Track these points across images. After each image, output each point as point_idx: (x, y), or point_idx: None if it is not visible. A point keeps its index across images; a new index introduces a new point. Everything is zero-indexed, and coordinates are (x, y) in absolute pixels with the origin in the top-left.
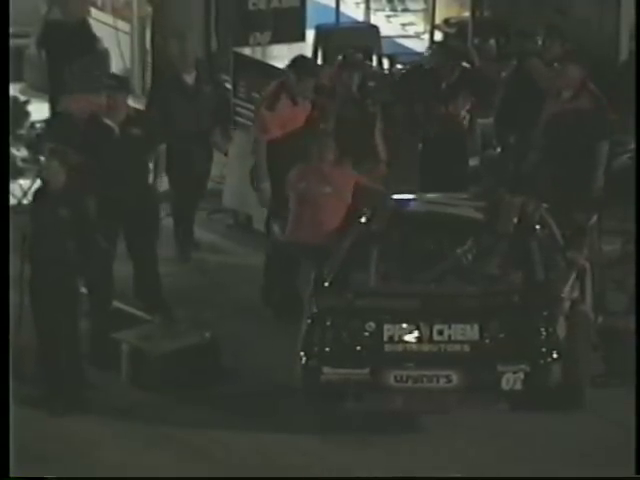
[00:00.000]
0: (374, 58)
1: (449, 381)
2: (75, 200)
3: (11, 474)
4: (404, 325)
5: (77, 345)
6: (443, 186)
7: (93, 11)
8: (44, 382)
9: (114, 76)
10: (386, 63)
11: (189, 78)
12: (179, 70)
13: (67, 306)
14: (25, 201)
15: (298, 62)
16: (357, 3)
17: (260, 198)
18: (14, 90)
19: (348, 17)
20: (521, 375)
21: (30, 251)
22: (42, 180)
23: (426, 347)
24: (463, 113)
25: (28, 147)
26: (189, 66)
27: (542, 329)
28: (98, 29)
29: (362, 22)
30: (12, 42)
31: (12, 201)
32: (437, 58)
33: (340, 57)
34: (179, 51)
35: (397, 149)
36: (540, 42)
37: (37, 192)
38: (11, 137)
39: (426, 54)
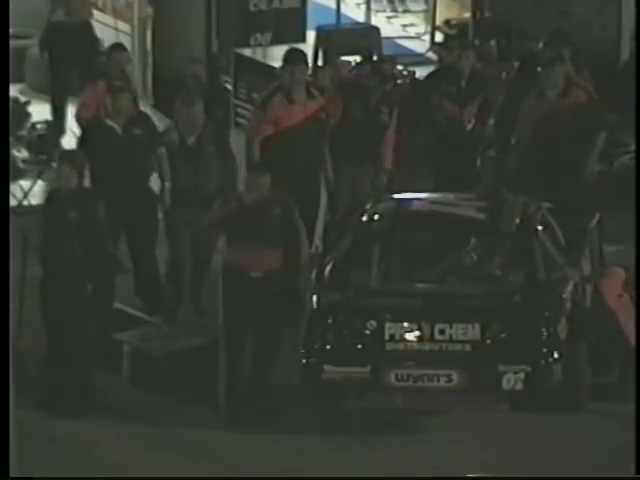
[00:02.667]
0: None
1: (450, 380)
2: (86, 204)
3: (11, 474)
4: (405, 324)
5: (87, 347)
6: (458, 186)
7: (94, 12)
8: (50, 384)
9: (116, 77)
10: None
11: (190, 140)
12: (182, 132)
13: (78, 308)
14: (25, 202)
15: (290, 55)
16: (358, 4)
17: None
18: (15, 91)
19: (349, 18)
20: (522, 375)
21: (42, 254)
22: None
23: (427, 346)
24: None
25: (29, 148)
26: (194, 130)
27: (543, 329)
28: (99, 30)
29: (363, 23)
30: (13, 43)
31: (13, 202)
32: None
33: (370, 64)
34: (186, 115)
35: (409, 150)
36: (542, 44)
37: (49, 195)
38: (12, 138)
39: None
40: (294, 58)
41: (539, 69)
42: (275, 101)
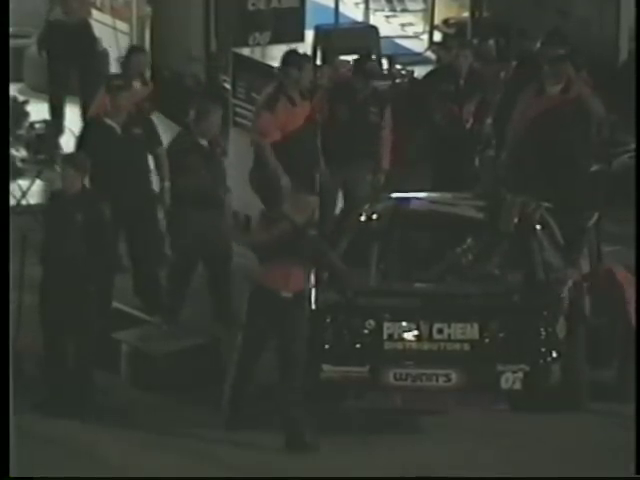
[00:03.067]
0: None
1: (448, 380)
2: (92, 206)
3: (11, 474)
4: (404, 323)
5: (87, 347)
6: (456, 185)
7: (93, 11)
8: (49, 385)
9: (115, 76)
10: (385, 63)
11: (203, 142)
12: (196, 135)
13: (80, 309)
14: (24, 202)
15: (291, 57)
16: (356, 3)
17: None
18: (13, 90)
19: (347, 17)
20: (520, 375)
21: (43, 255)
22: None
23: (426, 346)
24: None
25: (27, 147)
26: (208, 135)
27: (542, 329)
28: (97, 29)
29: (361, 22)
30: (12, 42)
31: (11, 201)
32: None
33: (354, 62)
34: (203, 122)
35: (407, 149)
36: (539, 44)
37: (51, 196)
38: (10, 137)
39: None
40: (292, 60)
41: (545, 67)
42: (280, 104)
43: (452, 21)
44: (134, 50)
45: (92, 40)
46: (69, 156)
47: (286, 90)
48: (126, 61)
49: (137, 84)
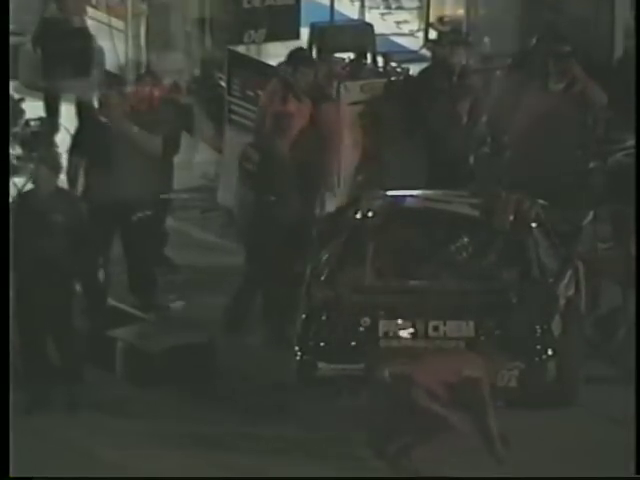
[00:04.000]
0: (368, 56)
1: None
2: (68, 205)
3: (11, 474)
4: (399, 321)
5: (73, 345)
6: (452, 183)
7: (88, 9)
8: (37, 384)
9: (109, 73)
10: (380, 61)
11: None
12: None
13: (61, 307)
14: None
15: (296, 54)
16: (352, 1)
17: None
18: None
19: (343, 15)
20: (516, 372)
21: (14, 253)
22: (32, 184)
23: (421, 343)
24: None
25: (22, 145)
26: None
27: (537, 326)
28: (93, 27)
29: (356, 20)
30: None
31: None
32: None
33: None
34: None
35: (398, 147)
36: (534, 40)
37: (23, 196)
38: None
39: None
40: (294, 59)
41: (550, 64)
42: (302, 97)
43: (447, 19)
44: (171, 48)
45: (87, 37)
46: (44, 155)
47: (293, 88)
48: (161, 57)
49: (170, 81)
